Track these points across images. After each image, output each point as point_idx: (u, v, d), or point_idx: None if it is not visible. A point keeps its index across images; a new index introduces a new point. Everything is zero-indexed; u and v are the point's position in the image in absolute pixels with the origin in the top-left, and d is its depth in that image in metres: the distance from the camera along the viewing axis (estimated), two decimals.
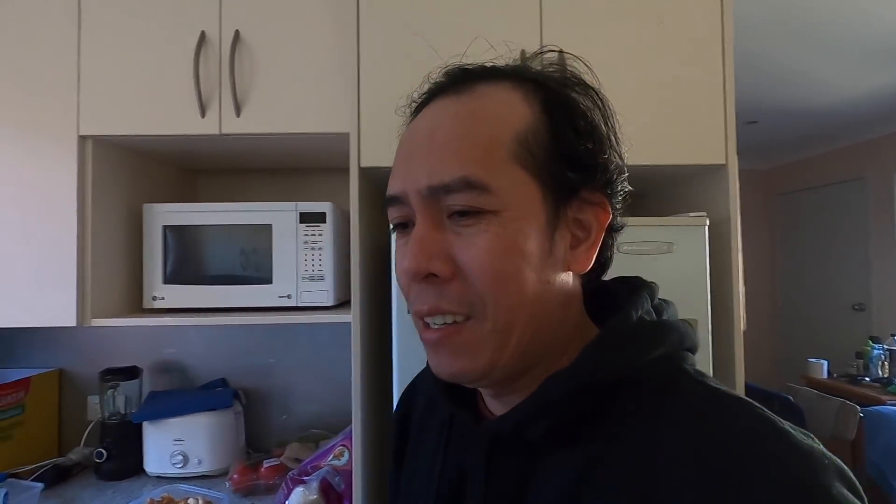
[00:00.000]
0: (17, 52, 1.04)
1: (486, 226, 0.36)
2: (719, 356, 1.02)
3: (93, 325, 1.07)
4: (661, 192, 1.36)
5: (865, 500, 0.29)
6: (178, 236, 1.17)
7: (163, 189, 1.32)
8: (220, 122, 1.05)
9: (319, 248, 1.16)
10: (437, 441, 0.48)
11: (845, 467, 0.30)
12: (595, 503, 0.35)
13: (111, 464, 1.31)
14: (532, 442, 0.38)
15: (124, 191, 1.17)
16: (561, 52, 0.45)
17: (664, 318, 0.42)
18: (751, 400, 0.35)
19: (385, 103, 1.02)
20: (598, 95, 0.43)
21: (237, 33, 1.04)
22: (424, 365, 0.51)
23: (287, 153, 1.24)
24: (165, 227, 1.16)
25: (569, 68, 0.43)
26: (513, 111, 0.39)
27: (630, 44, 1.05)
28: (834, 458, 0.30)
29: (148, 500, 1.08)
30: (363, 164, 1.00)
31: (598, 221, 0.41)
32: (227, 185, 1.48)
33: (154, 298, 1.16)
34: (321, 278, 1.16)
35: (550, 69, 0.43)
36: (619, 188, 0.42)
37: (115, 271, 1.14)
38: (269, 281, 1.16)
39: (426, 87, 0.43)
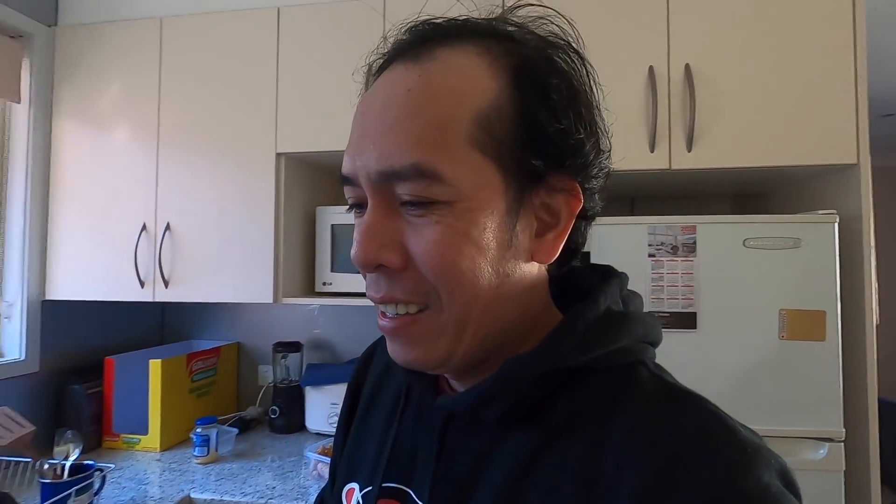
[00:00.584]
0: (245, 85, 1.35)
1: (439, 217, 0.34)
2: (849, 350, 1.04)
3: (283, 303, 1.34)
4: (791, 189, 1.38)
5: (802, 499, 0.30)
6: (343, 233, 1.42)
7: (322, 194, 1.58)
8: None
9: None
10: (392, 409, 0.47)
11: (787, 467, 0.31)
12: (542, 485, 0.34)
13: (282, 420, 1.60)
14: (487, 422, 0.37)
15: (302, 196, 1.45)
16: (542, 5, 0.38)
17: (630, 309, 0.41)
18: (703, 396, 0.35)
19: None
20: (581, 62, 0.38)
21: None
22: None
23: None
24: (333, 226, 1.42)
25: (550, 28, 0.38)
26: (475, 84, 0.35)
27: (758, 45, 1.10)
28: (779, 457, 0.31)
29: (320, 447, 1.33)
30: None
31: (569, 208, 0.37)
32: None
33: (324, 284, 1.42)
34: None
35: (530, 27, 0.38)
36: (594, 172, 0.38)
37: (295, 261, 1.41)
38: None
39: (387, 47, 0.38)
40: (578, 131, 0.36)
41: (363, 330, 1.71)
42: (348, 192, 0.38)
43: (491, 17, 0.38)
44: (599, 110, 0.39)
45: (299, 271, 1.43)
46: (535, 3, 0.38)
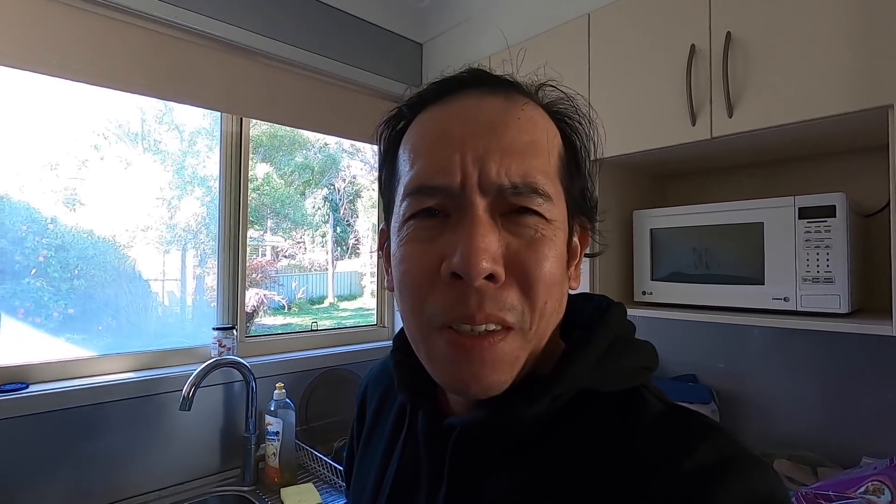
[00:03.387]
0: None
1: (544, 232, 0.37)
2: None
3: None
4: None
5: None
6: (665, 238, 1.29)
7: (639, 197, 1.48)
8: (711, 127, 1.09)
9: (826, 247, 1.02)
10: (394, 432, 0.48)
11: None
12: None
13: None
14: (495, 444, 0.38)
15: (618, 200, 1.40)
16: (563, 86, 0.45)
17: (633, 336, 0.43)
18: (705, 415, 0.37)
19: None
20: (592, 132, 0.45)
21: (728, 35, 1.06)
22: None
23: (775, 145, 1.16)
24: (653, 230, 1.31)
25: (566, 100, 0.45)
26: (552, 130, 0.41)
27: None
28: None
29: None
30: None
31: (582, 245, 0.44)
32: (691, 186, 1.52)
33: (644, 293, 1.32)
34: (829, 281, 1.01)
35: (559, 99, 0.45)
36: (596, 217, 0.45)
37: (613, 269, 1.37)
38: (759, 282, 1.11)
39: (440, 78, 0.43)
40: (591, 182, 0.44)
41: (683, 344, 1.51)
42: (424, 200, 0.37)
43: (534, 84, 0.44)
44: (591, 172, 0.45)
45: (617, 279, 1.38)
46: (554, 84, 0.45)
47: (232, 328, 1.48)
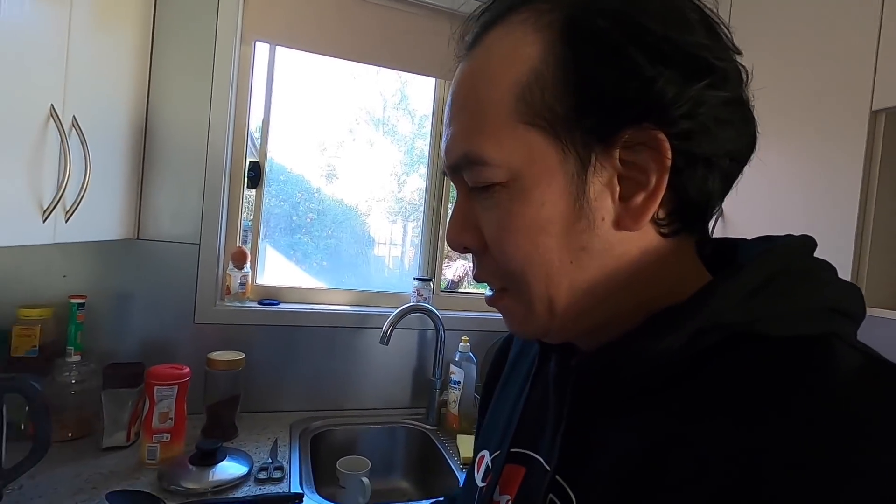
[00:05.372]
0: (817, 34, 1.10)
1: (497, 199, 0.34)
2: None
3: (869, 314, 0.99)
4: None
5: None
6: None
7: None
8: None
9: None
10: (527, 376, 0.47)
11: None
12: (679, 470, 0.28)
13: None
14: (625, 386, 0.34)
15: None
16: None
17: (824, 271, 0.33)
18: None
19: None
20: None
21: None
22: None
23: None
24: None
25: None
26: (513, 58, 0.33)
27: None
28: None
29: None
30: None
31: (656, 164, 0.31)
32: None
33: None
34: None
35: None
36: (683, 110, 0.30)
37: (891, 258, 1.01)
38: None
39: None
40: (645, 71, 0.30)
41: None
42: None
43: None
44: (689, 35, 0.31)
45: (894, 274, 1.01)
46: None
47: (429, 280, 1.61)
